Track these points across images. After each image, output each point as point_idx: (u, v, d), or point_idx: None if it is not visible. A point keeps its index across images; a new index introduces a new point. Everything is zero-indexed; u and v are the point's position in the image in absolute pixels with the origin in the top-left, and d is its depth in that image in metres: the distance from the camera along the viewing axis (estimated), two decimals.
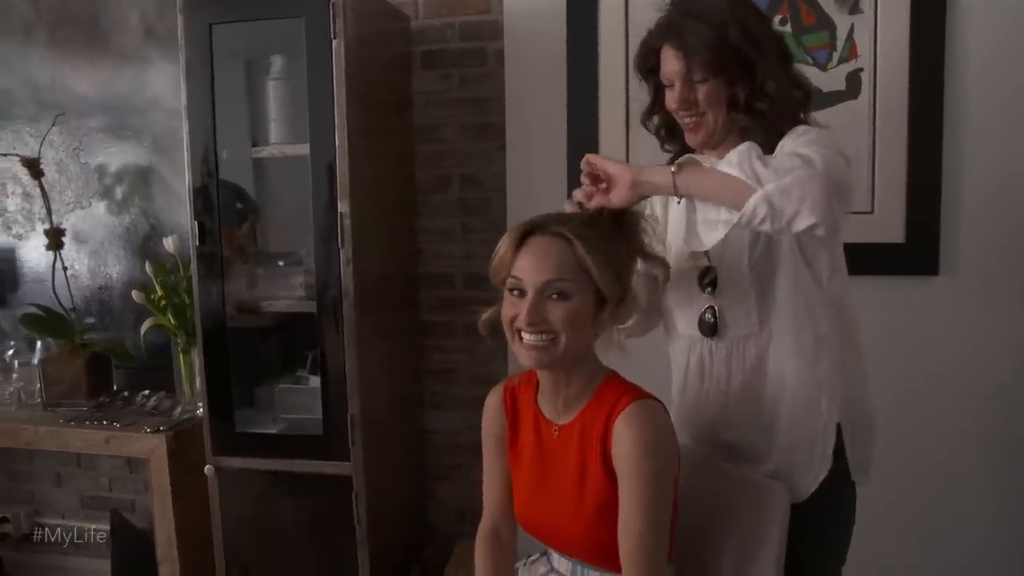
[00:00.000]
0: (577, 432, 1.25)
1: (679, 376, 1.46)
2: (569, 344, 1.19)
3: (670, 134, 1.42)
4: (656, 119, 1.43)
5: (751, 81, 1.26)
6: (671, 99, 1.32)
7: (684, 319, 1.41)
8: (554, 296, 1.18)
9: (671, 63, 1.30)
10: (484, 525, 1.42)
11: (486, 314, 1.29)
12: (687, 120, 1.32)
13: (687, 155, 1.25)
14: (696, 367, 1.41)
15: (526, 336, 1.19)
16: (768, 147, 1.23)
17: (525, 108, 2.19)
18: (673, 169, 1.20)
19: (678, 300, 1.42)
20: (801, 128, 1.27)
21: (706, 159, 1.30)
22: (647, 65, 1.38)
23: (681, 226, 1.27)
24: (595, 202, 1.26)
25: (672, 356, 1.48)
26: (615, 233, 1.25)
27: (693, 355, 1.41)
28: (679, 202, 1.25)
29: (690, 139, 1.35)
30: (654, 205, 1.49)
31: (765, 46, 1.26)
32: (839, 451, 1.33)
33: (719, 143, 1.33)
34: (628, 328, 1.33)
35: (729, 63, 1.26)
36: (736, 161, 1.15)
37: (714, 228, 1.20)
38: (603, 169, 1.26)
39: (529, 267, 1.19)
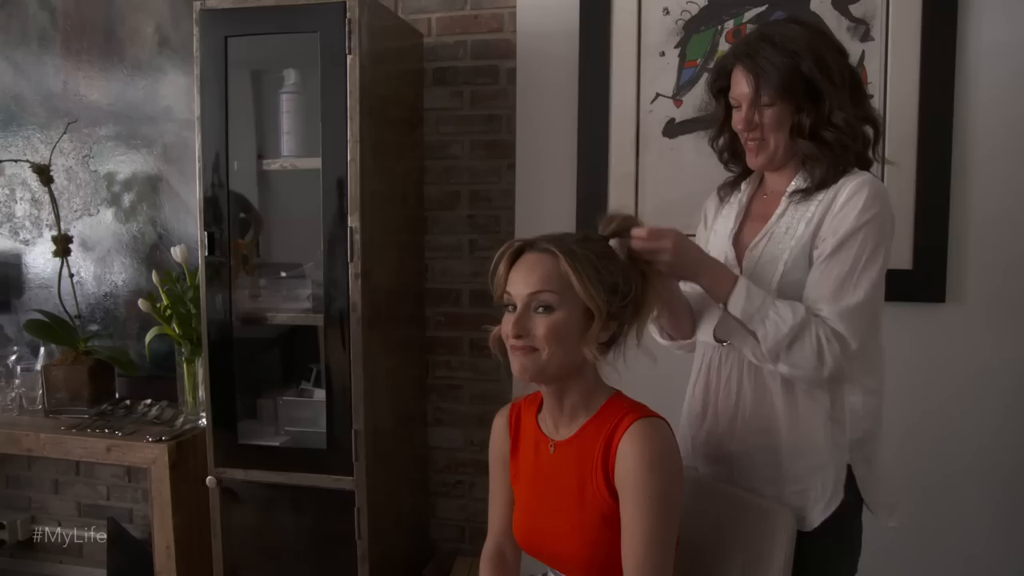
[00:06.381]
0: (575, 448, 1.25)
1: (692, 380, 1.49)
2: (554, 356, 1.19)
3: (733, 156, 1.47)
4: (722, 140, 1.47)
5: (818, 110, 1.29)
6: (737, 119, 1.35)
7: (704, 325, 1.42)
8: (540, 309, 1.20)
9: (741, 85, 1.33)
10: (489, 545, 1.41)
11: (494, 332, 1.30)
12: (750, 142, 1.36)
13: (741, 302, 1.26)
14: (705, 374, 1.44)
15: (514, 347, 1.21)
16: (828, 177, 1.29)
17: (535, 127, 2.21)
18: (720, 306, 1.30)
19: (698, 307, 1.44)
20: (862, 196, 1.26)
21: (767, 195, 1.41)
22: (718, 85, 1.41)
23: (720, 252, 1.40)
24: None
25: (694, 361, 1.51)
26: (612, 251, 1.26)
27: (704, 361, 1.45)
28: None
29: (751, 160, 1.39)
30: (706, 207, 1.54)
31: (837, 79, 1.29)
32: (849, 486, 1.33)
33: (780, 167, 1.37)
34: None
35: (797, 90, 1.29)
36: (771, 343, 1.25)
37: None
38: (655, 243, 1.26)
39: (517, 281, 1.22)
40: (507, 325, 1.22)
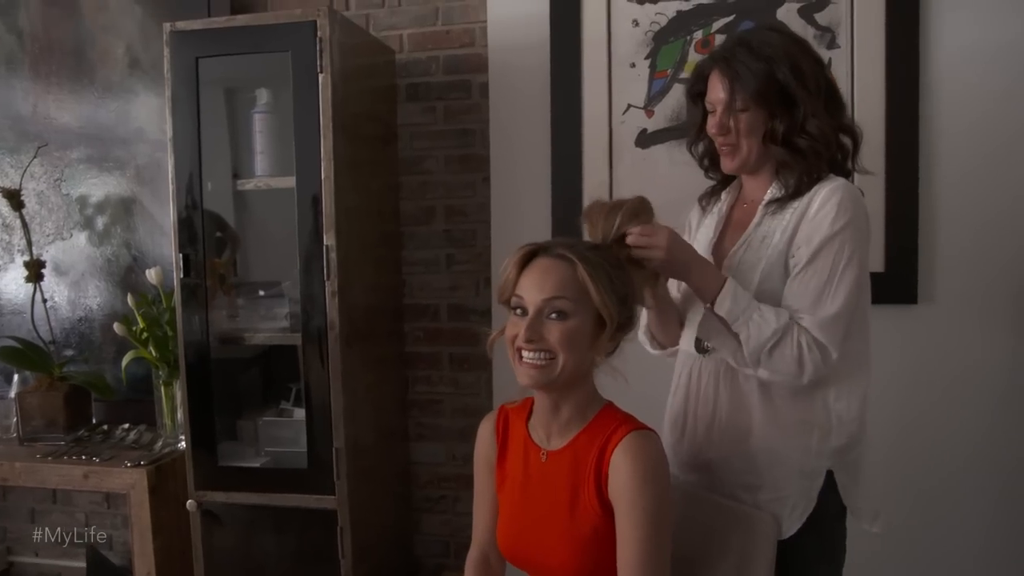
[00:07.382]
0: (569, 459, 1.25)
1: (672, 389, 1.50)
2: (566, 364, 1.19)
3: (713, 163, 1.47)
4: (701, 147, 1.47)
5: (792, 117, 1.31)
6: (711, 124, 1.37)
7: (686, 335, 1.43)
8: (553, 315, 1.19)
9: (717, 89, 1.34)
10: (473, 553, 1.40)
11: (493, 335, 1.29)
12: (723, 146, 1.37)
13: (727, 302, 1.28)
14: (684, 383, 1.45)
15: (525, 354, 1.20)
16: (801, 185, 1.31)
17: (509, 140, 2.22)
18: (707, 306, 1.31)
19: (685, 315, 1.44)
20: (835, 202, 1.27)
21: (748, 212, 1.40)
22: (696, 89, 1.42)
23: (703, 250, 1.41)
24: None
25: (675, 371, 1.52)
26: (622, 261, 1.26)
27: (684, 370, 1.46)
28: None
29: (725, 164, 1.40)
30: (690, 218, 1.55)
31: (812, 87, 1.30)
32: (827, 492, 1.34)
33: (755, 172, 1.39)
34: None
35: (772, 97, 1.30)
36: (753, 345, 1.27)
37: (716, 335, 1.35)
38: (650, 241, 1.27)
39: (530, 286, 1.20)
40: (513, 328, 1.21)
